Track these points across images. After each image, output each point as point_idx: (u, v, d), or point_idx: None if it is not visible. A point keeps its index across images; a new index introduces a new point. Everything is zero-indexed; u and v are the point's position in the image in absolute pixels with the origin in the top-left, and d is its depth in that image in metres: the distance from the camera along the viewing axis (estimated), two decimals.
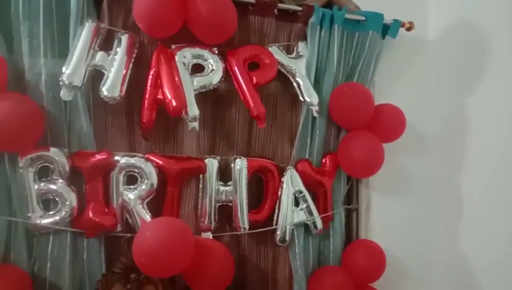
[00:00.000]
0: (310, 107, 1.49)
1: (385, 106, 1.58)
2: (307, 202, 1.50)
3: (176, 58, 1.34)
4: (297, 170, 1.49)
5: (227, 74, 1.41)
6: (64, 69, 1.23)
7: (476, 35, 1.70)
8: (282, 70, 1.49)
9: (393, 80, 1.69)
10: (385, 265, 1.53)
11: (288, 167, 1.49)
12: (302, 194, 1.49)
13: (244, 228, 1.42)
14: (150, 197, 1.33)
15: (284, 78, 1.52)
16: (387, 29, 1.62)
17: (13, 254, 1.25)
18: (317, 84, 1.52)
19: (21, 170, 1.24)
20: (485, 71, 1.71)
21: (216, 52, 1.40)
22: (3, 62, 1.20)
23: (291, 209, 1.48)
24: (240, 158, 1.43)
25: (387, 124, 1.56)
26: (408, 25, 1.64)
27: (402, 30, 1.64)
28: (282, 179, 1.48)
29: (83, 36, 1.26)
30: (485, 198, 1.71)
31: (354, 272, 1.50)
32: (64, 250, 1.28)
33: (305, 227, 1.52)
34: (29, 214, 1.25)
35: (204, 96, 1.41)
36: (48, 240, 1.27)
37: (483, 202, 1.71)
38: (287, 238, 1.47)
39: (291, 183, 1.48)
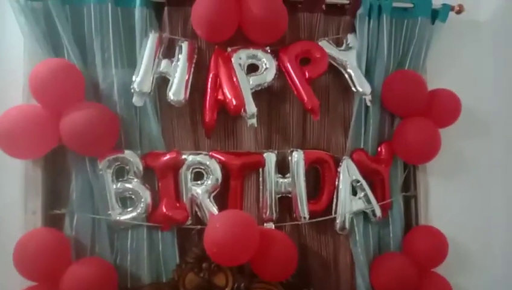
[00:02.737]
0: (363, 97, 1.52)
1: (439, 91, 1.58)
2: (365, 190, 1.53)
3: (233, 60, 1.42)
4: (353, 160, 1.53)
5: (281, 71, 1.47)
6: (134, 77, 1.35)
7: None
8: (333, 63, 1.53)
9: (446, 64, 1.68)
10: (447, 250, 1.53)
11: (344, 157, 1.53)
12: (359, 183, 1.53)
13: (305, 218, 1.48)
14: (215, 191, 1.43)
15: (335, 71, 1.56)
16: (437, 14, 1.61)
17: (98, 247, 1.38)
18: (368, 74, 1.55)
19: (101, 172, 1.37)
20: None
21: (269, 51, 1.46)
22: (80, 75, 1.34)
23: (350, 198, 1.51)
24: (297, 151, 1.49)
25: (442, 109, 1.56)
26: (458, 8, 1.62)
27: (452, 14, 1.62)
28: (338, 169, 1.52)
29: (148, 46, 1.37)
30: None
31: (416, 257, 1.51)
32: (142, 243, 1.40)
33: (364, 215, 1.55)
34: (109, 212, 1.38)
35: (260, 94, 1.47)
36: (127, 235, 1.40)
37: None
38: (347, 226, 1.51)
39: (347, 172, 1.51)
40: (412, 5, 1.58)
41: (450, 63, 1.69)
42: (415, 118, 1.53)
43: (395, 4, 1.56)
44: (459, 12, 1.63)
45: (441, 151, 1.56)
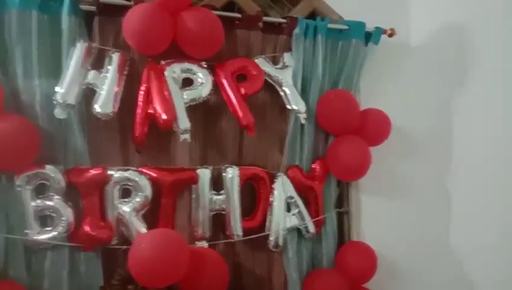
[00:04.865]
0: (298, 115, 1.54)
1: (370, 111, 1.63)
2: (299, 207, 1.54)
3: (166, 73, 1.39)
4: (288, 176, 1.53)
5: (217, 87, 1.46)
6: (58, 88, 1.27)
7: (457, 39, 1.77)
8: (269, 80, 1.54)
9: (378, 85, 1.74)
10: (376, 266, 1.57)
11: (279, 174, 1.53)
12: (293, 200, 1.53)
13: (238, 235, 1.46)
14: (144, 209, 1.37)
15: (271, 88, 1.56)
16: (370, 37, 1.67)
17: (12, 270, 1.27)
18: (303, 93, 1.57)
19: (19, 188, 1.27)
20: (468, 73, 1.77)
21: (205, 66, 1.44)
22: None
23: (284, 215, 1.51)
24: (232, 167, 1.47)
25: (373, 128, 1.61)
26: (390, 32, 1.70)
27: (385, 37, 1.69)
28: (273, 186, 1.52)
29: (75, 56, 1.30)
30: (474, 196, 1.76)
31: (347, 273, 1.54)
32: (62, 264, 1.31)
33: (298, 232, 1.56)
34: (26, 231, 1.28)
35: (195, 109, 1.45)
36: (46, 256, 1.30)
37: (471, 201, 1.76)
38: (280, 243, 1.51)
39: (282, 189, 1.52)
40: (346, 27, 1.63)
41: (382, 84, 1.76)
42: (347, 137, 1.57)
43: (330, 25, 1.60)
44: (391, 35, 1.70)
45: (373, 169, 1.60)
